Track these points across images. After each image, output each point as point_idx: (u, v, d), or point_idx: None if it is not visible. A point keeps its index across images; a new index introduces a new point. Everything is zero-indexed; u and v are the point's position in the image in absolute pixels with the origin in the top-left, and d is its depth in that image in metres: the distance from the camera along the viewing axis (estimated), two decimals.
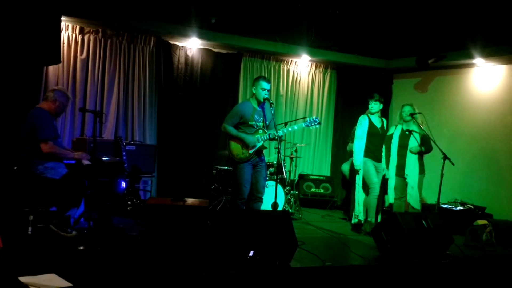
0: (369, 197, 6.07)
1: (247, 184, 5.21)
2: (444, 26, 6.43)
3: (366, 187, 6.14)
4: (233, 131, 5.20)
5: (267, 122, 5.33)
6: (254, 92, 5.28)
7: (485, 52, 7.27)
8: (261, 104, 5.30)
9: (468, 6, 5.54)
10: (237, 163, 5.23)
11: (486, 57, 7.36)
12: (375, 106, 6.15)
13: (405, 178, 6.23)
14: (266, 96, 5.25)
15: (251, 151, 5.17)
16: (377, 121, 6.20)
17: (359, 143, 6.14)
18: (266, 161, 5.62)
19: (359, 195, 6.18)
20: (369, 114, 6.21)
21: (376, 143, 6.16)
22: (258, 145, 5.21)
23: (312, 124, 5.48)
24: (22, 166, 4.80)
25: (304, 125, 5.51)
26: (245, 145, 5.17)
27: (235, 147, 5.22)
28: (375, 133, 6.14)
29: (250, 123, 5.23)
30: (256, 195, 5.29)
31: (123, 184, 6.15)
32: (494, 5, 5.50)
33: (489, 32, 6.53)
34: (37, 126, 4.68)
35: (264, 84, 5.24)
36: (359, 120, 6.26)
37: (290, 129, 5.51)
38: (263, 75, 8.08)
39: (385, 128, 6.31)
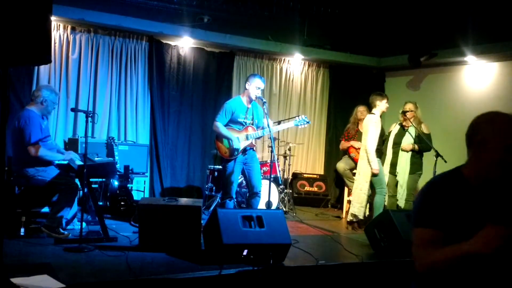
0: (380, 197, 5.99)
1: (234, 182, 5.27)
2: (436, 24, 6.44)
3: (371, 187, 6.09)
4: (224, 130, 5.23)
5: (256, 120, 5.36)
6: (247, 88, 5.27)
7: (477, 49, 7.30)
8: (252, 101, 5.31)
9: (460, 3, 5.55)
10: (225, 160, 5.28)
11: (478, 54, 7.39)
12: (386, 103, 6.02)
13: (395, 176, 6.24)
14: (259, 95, 5.24)
15: (238, 150, 5.23)
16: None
17: (374, 145, 5.90)
18: (260, 161, 5.65)
19: (367, 195, 6.05)
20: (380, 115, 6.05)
21: (380, 143, 6.15)
22: (244, 144, 5.26)
23: (302, 123, 5.52)
24: (13, 167, 4.77)
25: (294, 125, 5.55)
26: (232, 144, 5.20)
27: (222, 145, 5.26)
28: (382, 134, 6.15)
29: (239, 120, 5.27)
30: (252, 191, 5.34)
31: (116, 184, 6.12)
32: (486, 3, 5.52)
33: (481, 29, 6.55)
34: (25, 129, 4.63)
35: (260, 82, 5.25)
36: (374, 120, 5.95)
37: (280, 128, 5.54)
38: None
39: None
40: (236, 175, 5.29)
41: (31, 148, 4.62)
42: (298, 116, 5.74)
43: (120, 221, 5.80)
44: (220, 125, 5.23)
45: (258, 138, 5.42)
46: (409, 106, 6.26)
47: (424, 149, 6.25)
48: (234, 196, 5.34)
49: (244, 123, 5.31)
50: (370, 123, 5.91)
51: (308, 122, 5.59)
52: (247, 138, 5.29)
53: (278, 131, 6.66)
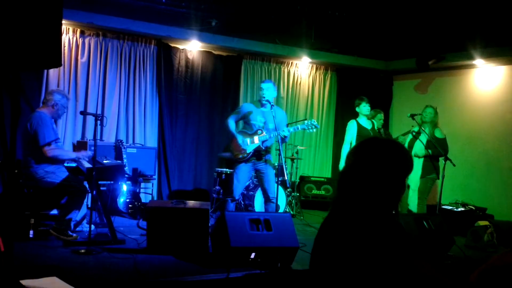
0: None
1: (239, 184, 5.40)
2: (444, 27, 6.42)
3: None
4: (232, 128, 5.38)
5: (268, 125, 5.36)
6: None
7: (485, 53, 7.27)
8: (264, 106, 5.40)
9: (468, 7, 5.54)
10: (235, 162, 5.41)
11: (486, 58, 7.36)
12: (367, 106, 6.29)
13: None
14: (263, 97, 5.36)
15: (246, 152, 5.32)
16: (367, 123, 6.26)
17: (345, 148, 6.30)
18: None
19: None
20: (357, 119, 6.31)
21: None
22: (252, 146, 5.32)
23: (310, 127, 5.45)
24: (22, 169, 4.80)
25: (300, 128, 5.52)
26: (241, 144, 5.32)
27: (234, 146, 5.37)
28: (366, 135, 6.11)
29: (252, 122, 5.38)
30: (267, 197, 5.45)
31: (124, 187, 6.15)
32: (494, 6, 5.49)
33: (489, 33, 6.52)
34: (38, 131, 4.67)
35: (262, 85, 5.46)
36: (347, 126, 6.37)
37: (291, 130, 5.46)
38: (264, 77, 8.20)
39: (376, 129, 6.34)
40: (243, 178, 5.41)
41: (47, 149, 4.66)
42: (307, 119, 5.73)
43: (128, 223, 5.82)
44: (230, 122, 5.42)
45: (266, 140, 5.37)
46: (430, 110, 6.24)
47: (436, 154, 6.17)
48: (237, 197, 5.47)
49: (254, 126, 5.39)
50: None
51: (317, 127, 5.51)
52: (255, 141, 5.34)
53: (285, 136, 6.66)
